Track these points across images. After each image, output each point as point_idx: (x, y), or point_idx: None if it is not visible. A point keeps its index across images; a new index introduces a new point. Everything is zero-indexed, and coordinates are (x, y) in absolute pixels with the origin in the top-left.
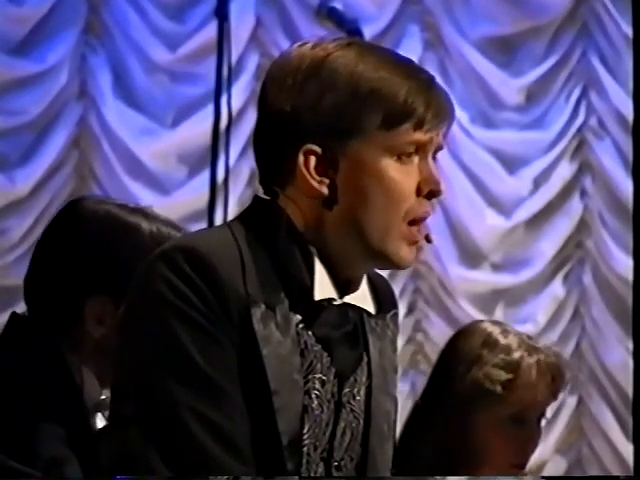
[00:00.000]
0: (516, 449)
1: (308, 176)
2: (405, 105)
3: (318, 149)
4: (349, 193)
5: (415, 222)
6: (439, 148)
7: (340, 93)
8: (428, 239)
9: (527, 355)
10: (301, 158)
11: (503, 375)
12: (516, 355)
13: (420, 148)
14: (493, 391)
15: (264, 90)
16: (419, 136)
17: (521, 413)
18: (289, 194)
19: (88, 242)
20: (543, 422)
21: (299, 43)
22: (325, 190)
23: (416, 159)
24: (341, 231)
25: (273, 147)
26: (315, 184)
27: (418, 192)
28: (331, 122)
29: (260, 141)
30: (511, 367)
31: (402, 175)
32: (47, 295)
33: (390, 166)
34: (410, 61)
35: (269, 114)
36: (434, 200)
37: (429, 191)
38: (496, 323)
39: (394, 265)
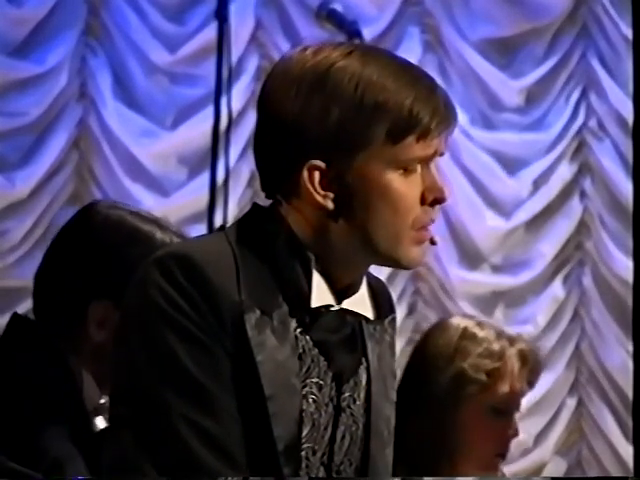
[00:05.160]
0: (499, 439)
1: (313, 191)
2: (410, 116)
3: (322, 164)
4: (355, 206)
5: (422, 227)
6: (441, 154)
7: (345, 106)
8: (432, 241)
9: (508, 345)
10: (305, 174)
11: (489, 364)
12: (497, 345)
13: (423, 157)
14: (478, 380)
15: (266, 98)
16: (424, 146)
17: (502, 403)
18: (293, 203)
19: (98, 247)
20: (518, 416)
21: (300, 48)
22: (330, 204)
23: (419, 168)
24: (348, 239)
25: (277, 159)
26: (320, 198)
27: (422, 201)
28: (337, 136)
29: (263, 151)
30: (496, 356)
31: (406, 187)
32: (53, 296)
33: (394, 179)
34: (412, 66)
35: (272, 124)
36: (438, 206)
37: (433, 199)
38: (467, 317)
39: (404, 267)
